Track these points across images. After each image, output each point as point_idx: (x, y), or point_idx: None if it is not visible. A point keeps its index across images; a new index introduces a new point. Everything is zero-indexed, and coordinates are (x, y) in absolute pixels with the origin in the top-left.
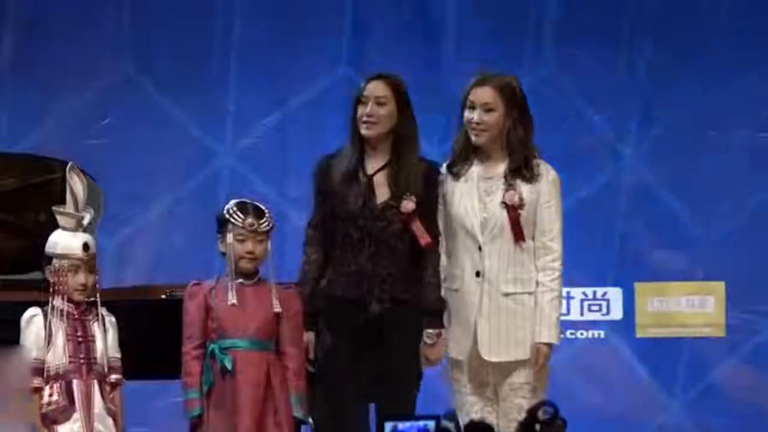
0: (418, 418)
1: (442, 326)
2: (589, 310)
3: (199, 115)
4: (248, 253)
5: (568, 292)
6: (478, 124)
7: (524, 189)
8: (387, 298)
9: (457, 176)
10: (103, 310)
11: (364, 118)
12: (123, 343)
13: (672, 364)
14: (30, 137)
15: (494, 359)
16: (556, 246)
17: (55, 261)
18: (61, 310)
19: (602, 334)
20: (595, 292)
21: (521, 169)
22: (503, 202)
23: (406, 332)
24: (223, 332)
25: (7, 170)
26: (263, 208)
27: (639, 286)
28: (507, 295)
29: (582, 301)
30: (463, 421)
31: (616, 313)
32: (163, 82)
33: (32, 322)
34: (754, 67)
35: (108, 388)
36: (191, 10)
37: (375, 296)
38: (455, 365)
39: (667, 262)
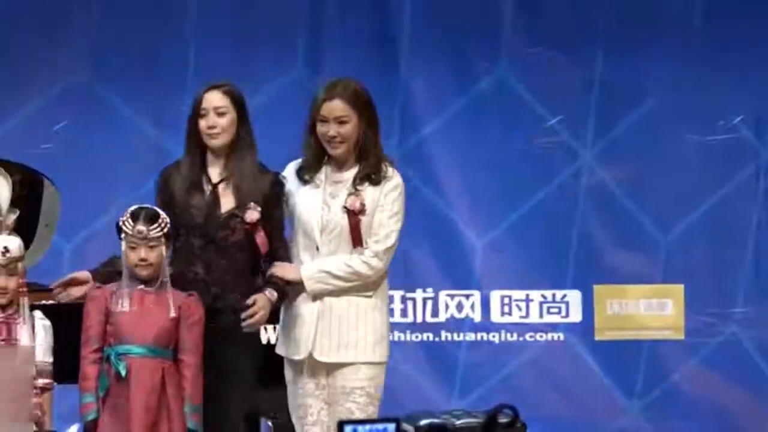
0: (377, 422)
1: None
2: (548, 312)
3: (156, 118)
4: (141, 260)
5: (527, 295)
6: (334, 137)
7: (370, 194)
8: (225, 306)
9: (305, 181)
10: (37, 313)
11: (207, 130)
12: None
13: (631, 367)
14: None
15: (325, 360)
16: (378, 247)
17: None
18: None
19: (561, 336)
20: (554, 295)
21: (371, 174)
22: (345, 207)
23: (244, 342)
24: (121, 338)
25: None
26: (158, 213)
27: (598, 289)
28: (341, 296)
29: (541, 303)
30: (301, 424)
31: (575, 316)
32: (119, 85)
33: None
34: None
35: (34, 392)
36: (146, 13)
37: (213, 305)
38: (293, 366)
39: (625, 265)
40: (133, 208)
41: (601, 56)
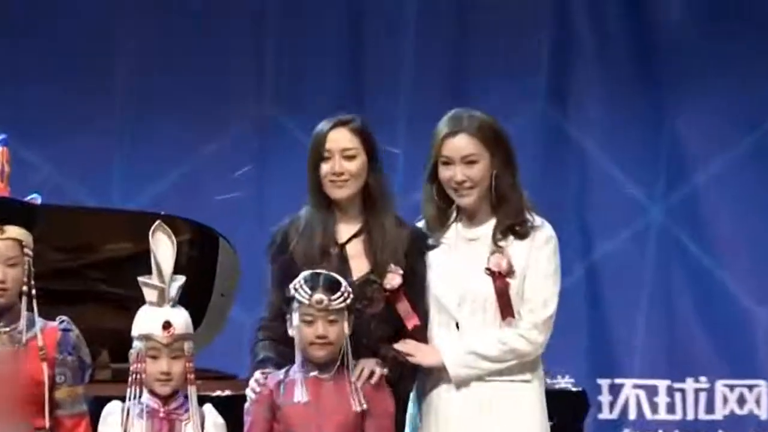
0: None
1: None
2: None
3: None
4: (319, 337)
5: None
6: (461, 182)
7: (516, 250)
8: None
9: (430, 246)
10: (207, 408)
11: (331, 177)
12: None
13: None
14: (148, 192)
15: None
16: (535, 318)
17: (135, 343)
18: (144, 406)
19: None
20: None
21: (513, 226)
22: (488, 269)
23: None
24: None
25: (121, 232)
26: (339, 280)
27: None
28: (490, 382)
29: None
30: None
31: None
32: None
33: (106, 422)
34: None
35: None
36: (343, 46)
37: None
38: None
39: None
40: (307, 272)
41: None
